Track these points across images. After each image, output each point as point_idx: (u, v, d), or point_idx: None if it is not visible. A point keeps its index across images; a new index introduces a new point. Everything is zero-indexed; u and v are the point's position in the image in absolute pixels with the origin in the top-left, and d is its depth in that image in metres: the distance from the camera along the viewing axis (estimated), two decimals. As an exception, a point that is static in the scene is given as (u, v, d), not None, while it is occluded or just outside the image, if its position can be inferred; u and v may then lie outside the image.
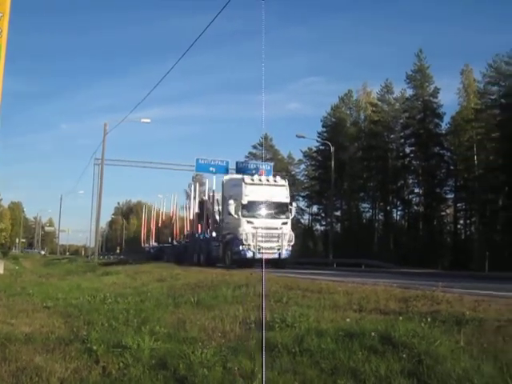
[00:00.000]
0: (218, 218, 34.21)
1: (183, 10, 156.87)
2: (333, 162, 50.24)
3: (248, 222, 28.73)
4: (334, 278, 17.18)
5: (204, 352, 7.09)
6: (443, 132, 61.85)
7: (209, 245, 33.77)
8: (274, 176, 32.73)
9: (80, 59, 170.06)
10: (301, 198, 77.10)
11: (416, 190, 64.79)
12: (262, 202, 29.22)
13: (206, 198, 38.21)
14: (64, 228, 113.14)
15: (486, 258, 35.97)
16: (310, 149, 76.59)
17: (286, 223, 29.69)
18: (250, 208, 28.92)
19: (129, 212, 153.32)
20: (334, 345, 6.99)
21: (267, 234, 28.61)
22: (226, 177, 35.26)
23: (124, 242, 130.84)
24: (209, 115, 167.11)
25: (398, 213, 69.01)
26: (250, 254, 28.22)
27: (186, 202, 55.01)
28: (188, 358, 6.97)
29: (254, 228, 28.57)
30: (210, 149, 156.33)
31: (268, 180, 30.66)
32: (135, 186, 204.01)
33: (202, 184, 70.96)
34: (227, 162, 52.18)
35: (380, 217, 70.35)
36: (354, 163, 66.92)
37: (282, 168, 73.14)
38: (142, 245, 59.34)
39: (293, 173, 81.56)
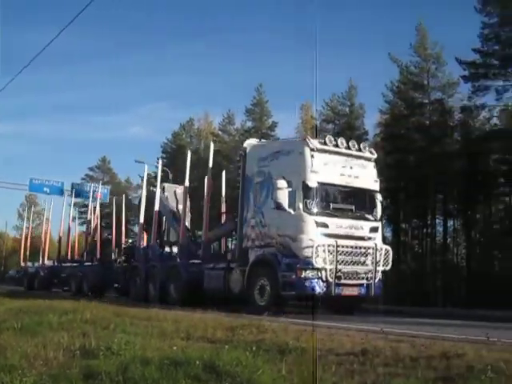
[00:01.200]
0: (183, 221, 23.74)
1: (29, 25, 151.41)
2: (171, 190, 49.68)
3: (318, 223, 15.69)
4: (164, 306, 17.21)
5: (23, 381, 6.82)
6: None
7: (188, 268, 20.62)
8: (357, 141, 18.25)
9: None
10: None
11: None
12: (344, 187, 16.88)
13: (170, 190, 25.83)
14: None
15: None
16: (149, 174, 76.07)
17: (375, 229, 17.03)
18: (321, 197, 16.22)
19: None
20: (158, 373, 6.94)
21: (352, 248, 15.96)
22: (251, 140, 20.43)
23: None
24: (44, 134, 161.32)
25: (234, 243, 69.66)
26: (320, 288, 15.40)
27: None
28: (6, 387, 6.70)
29: (331, 236, 15.70)
30: (45, 169, 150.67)
31: (349, 147, 16.95)
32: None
33: (36, 204, 68.65)
34: (62, 183, 51.06)
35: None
36: (193, 191, 67.16)
37: (119, 192, 72.17)
38: (22, 263, 41.54)
39: (130, 198, 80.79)
